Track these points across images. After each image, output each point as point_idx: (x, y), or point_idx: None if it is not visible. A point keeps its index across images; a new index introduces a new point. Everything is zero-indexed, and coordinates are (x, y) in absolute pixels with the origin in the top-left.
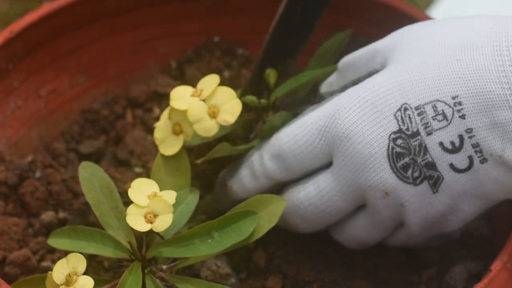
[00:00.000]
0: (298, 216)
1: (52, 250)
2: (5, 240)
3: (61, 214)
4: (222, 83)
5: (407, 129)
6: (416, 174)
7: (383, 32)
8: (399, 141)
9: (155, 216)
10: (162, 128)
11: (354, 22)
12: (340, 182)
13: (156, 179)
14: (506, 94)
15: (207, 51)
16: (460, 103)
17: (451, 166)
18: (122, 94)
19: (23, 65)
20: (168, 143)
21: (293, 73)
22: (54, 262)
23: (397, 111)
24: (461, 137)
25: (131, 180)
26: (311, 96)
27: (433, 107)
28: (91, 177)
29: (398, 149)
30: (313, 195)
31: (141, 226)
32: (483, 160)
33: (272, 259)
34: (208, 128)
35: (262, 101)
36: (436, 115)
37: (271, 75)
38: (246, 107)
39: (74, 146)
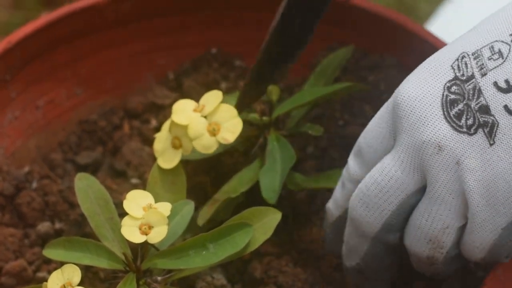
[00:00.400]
0: (363, 204)
1: (48, 261)
2: (1, 250)
3: (58, 225)
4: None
5: (462, 74)
6: (470, 121)
7: (379, 44)
8: (453, 88)
9: (150, 227)
10: (162, 140)
11: (351, 34)
12: (399, 151)
13: (152, 192)
14: None
15: (205, 62)
16: None
17: (506, 108)
18: (120, 105)
19: (20, 76)
20: (166, 156)
21: (291, 86)
22: (50, 272)
23: (454, 61)
24: None
25: (128, 191)
26: (311, 114)
27: (490, 49)
28: (86, 188)
29: (452, 96)
30: (376, 172)
31: (136, 237)
32: None
33: (267, 270)
34: (207, 145)
35: (264, 118)
36: (492, 54)
37: (273, 91)
38: (247, 123)
39: (72, 157)
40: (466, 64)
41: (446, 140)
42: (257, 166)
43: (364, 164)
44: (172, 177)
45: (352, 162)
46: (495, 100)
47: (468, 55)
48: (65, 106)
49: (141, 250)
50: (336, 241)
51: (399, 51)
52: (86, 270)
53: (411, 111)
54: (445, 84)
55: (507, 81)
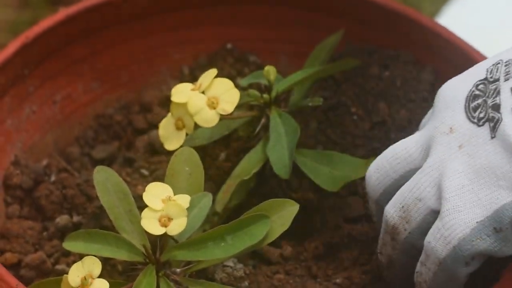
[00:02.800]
0: (376, 166)
1: (66, 254)
2: (21, 243)
3: (76, 218)
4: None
5: (491, 77)
6: (482, 114)
7: (394, 40)
8: (480, 86)
9: (170, 219)
10: (165, 125)
11: (364, 29)
12: (423, 130)
13: (170, 184)
14: None
15: (220, 57)
16: None
17: None
18: (135, 99)
19: (38, 71)
20: (171, 138)
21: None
22: (68, 265)
23: (491, 65)
24: None
25: (142, 184)
26: (310, 95)
27: None
28: (105, 181)
29: (477, 92)
30: (398, 143)
31: (156, 229)
32: None
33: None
34: (208, 118)
35: (264, 96)
36: None
37: (270, 71)
38: (248, 106)
39: (88, 151)
40: (497, 69)
41: (458, 125)
42: (263, 145)
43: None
44: (190, 168)
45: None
46: (507, 101)
47: (502, 62)
48: (81, 100)
49: (160, 242)
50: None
51: (414, 46)
52: (105, 263)
53: (443, 99)
54: (476, 82)
55: None
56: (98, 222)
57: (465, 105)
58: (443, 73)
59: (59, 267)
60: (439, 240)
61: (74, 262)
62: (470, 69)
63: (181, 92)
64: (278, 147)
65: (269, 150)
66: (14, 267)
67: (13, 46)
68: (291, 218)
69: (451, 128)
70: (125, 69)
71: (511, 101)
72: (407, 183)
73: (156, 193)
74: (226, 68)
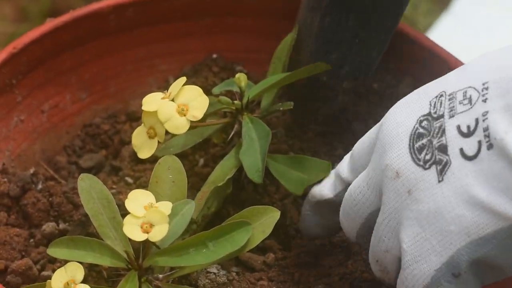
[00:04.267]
0: (343, 212)
1: (53, 260)
2: (7, 250)
3: (62, 225)
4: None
5: (435, 112)
6: (428, 156)
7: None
8: (424, 123)
9: (151, 226)
10: (138, 134)
11: None
12: (370, 168)
13: (154, 191)
14: None
15: (205, 67)
16: (487, 88)
17: (461, 151)
18: (122, 109)
19: (26, 81)
20: (144, 147)
21: (258, 79)
22: (55, 271)
23: (433, 98)
24: (476, 121)
25: (127, 192)
26: (278, 99)
27: (463, 93)
28: (90, 189)
29: (421, 130)
30: (353, 185)
31: (138, 235)
32: (489, 146)
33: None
34: (178, 125)
35: (236, 102)
36: (464, 99)
37: (241, 78)
38: (220, 114)
39: (75, 160)
40: (441, 103)
41: (404, 169)
42: (237, 151)
43: (352, 169)
44: (173, 176)
45: (345, 162)
46: (454, 142)
47: (445, 94)
48: (69, 110)
49: (143, 248)
50: (311, 223)
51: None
52: (90, 269)
53: (386, 134)
54: (419, 117)
55: (468, 127)
56: (84, 229)
57: (410, 145)
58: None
59: (45, 273)
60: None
61: (57, 269)
62: (413, 96)
63: (151, 101)
64: (251, 151)
65: (242, 155)
66: (0, 274)
67: (0, 57)
68: (272, 225)
69: (397, 172)
70: (113, 79)
71: (458, 141)
72: (373, 235)
73: (138, 200)
74: (210, 77)
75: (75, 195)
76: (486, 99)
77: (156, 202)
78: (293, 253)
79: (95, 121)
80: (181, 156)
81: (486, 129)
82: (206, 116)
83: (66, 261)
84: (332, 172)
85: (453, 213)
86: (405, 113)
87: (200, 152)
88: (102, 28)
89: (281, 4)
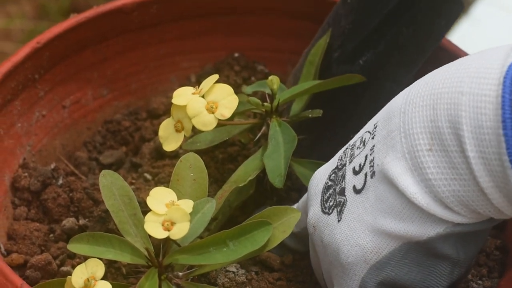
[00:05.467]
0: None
1: (72, 256)
2: (27, 244)
3: (82, 221)
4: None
5: (341, 164)
6: (331, 203)
7: None
8: (332, 176)
9: (172, 224)
10: (165, 126)
11: None
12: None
13: (175, 189)
14: (402, 104)
15: (226, 65)
16: (376, 127)
17: (354, 188)
18: (143, 106)
19: (48, 76)
20: (170, 140)
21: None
22: (74, 267)
23: (342, 152)
24: (366, 157)
25: (145, 189)
26: (311, 105)
27: (360, 139)
28: (111, 185)
29: (330, 183)
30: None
31: (159, 233)
32: (372, 174)
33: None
34: (206, 122)
35: (266, 104)
36: (360, 144)
37: (274, 81)
38: (250, 114)
39: (96, 156)
40: (345, 154)
41: (317, 221)
42: (262, 153)
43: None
44: (194, 174)
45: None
46: (349, 182)
47: (349, 146)
48: (90, 106)
49: (163, 246)
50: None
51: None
52: (109, 266)
53: (310, 194)
54: (329, 173)
55: (360, 165)
56: (103, 225)
57: (321, 199)
58: None
59: (64, 269)
60: None
61: (79, 264)
62: (332, 159)
63: (182, 95)
64: (276, 155)
65: (266, 158)
66: (20, 268)
67: (24, 51)
68: (293, 225)
69: (314, 226)
70: (134, 76)
71: (352, 180)
72: None
73: (160, 198)
74: (232, 76)
75: (96, 191)
76: (374, 135)
77: (178, 199)
78: None
79: (116, 118)
80: (201, 152)
81: (371, 161)
82: (234, 114)
83: (85, 257)
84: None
85: (349, 245)
86: (321, 173)
87: (220, 149)
88: (125, 24)
89: (302, 4)
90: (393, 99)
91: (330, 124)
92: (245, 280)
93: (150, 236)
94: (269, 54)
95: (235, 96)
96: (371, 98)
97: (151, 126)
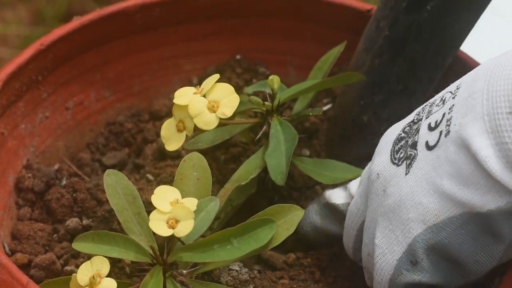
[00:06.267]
0: (344, 224)
1: (76, 255)
2: (31, 244)
3: (85, 221)
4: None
5: (418, 118)
6: (401, 154)
7: None
8: (406, 129)
9: (177, 222)
10: (167, 126)
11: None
12: (363, 177)
13: (178, 188)
14: (490, 68)
15: (228, 68)
16: (458, 88)
17: (426, 143)
18: (146, 108)
19: (51, 77)
20: (172, 139)
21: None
22: (77, 266)
23: (421, 108)
24: (443, 115)
25: (148, 189)
26: (314, 104)
27: (441, 97)
28: (115, 184)
29: (402, 135)
30: (352, 200)
31: (164, 231)
32: (447, 133)
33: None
34: (207, 121)
35: (266, 103)
36: (440, 102)
37: (274, 80)
38: (251, 114)
39: (99, 157)
40: (423, 110)
41: (383, 169)
42: (263, 152)
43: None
44: (198, 173)
45: (357, 179)
46: (423, 137)
47: (429, 103)
48: (93, 108)
49: (168, 244)
50: (310, 221)
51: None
52: (113, 265)
53: (380, 145)
54: (404, 125)
55: (436, 122)
56: (107, 225)
57: (392, 149)
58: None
59: (68, 268)
60: (377, 286)
61: (83, 263)
62: (410, 115)
63: (183, 95)
64: (277, 153)
65: (267, 157)
66: (24, 267)
67: (28, 53)
68: (296, 223)
69: (378, 174)
70: (137, 78)
71: (426, 136)
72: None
73: (164, 196)
74: (234, 78)
75: (99, 191)
76: (455, 96)
77: (182, 198)
78: (314, 253)
79: (118, 119)
80: (203, 152)
81: (449, 120)
82: (235, 114)
83: (89, 257)
84: (347, 185)
85: (413, 201)
86: (396, 126)
87: (222, 149)
88: (128, 27)
89: (304, 6)
90: (480, 65)
91: (400, 76)
92: (248, 278)
93: (154, 235)
94: (271, 56)
95: (236, 95)
96: (438, 45)
97: (154, 128)
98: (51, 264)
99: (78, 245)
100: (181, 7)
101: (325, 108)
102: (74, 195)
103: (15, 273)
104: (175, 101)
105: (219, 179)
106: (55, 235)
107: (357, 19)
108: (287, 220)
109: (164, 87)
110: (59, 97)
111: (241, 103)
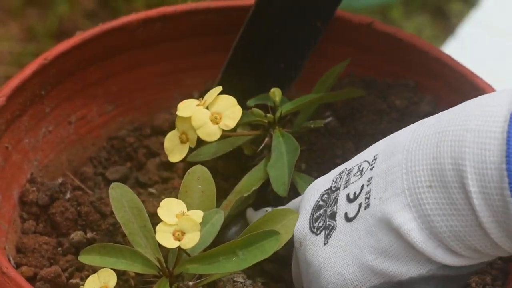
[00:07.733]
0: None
1: (80, 268)
2: (36, 257)
3: (89, 234)
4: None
5: (335, 186)
6: (320, 224)
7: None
8: (325, 196)
9: (183, 234)
10: (170, 138)
11: (374, 58)
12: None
13: (183, 200)
14: (407, 141)
15: None
16: (375, 158)
17: (346, 215)
18: (148, 122)
19: (55, 92)
20: (175, 151)
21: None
22: (82, 279)
23: (337, 174)
24: (362, 187)
25: (151, 203)
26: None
27: (358, 166)
28: (121, 197)
29: (321, 202)
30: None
31: (170, 243)
32: (367, 206)
33: None
34: (210, 132)
35: (268, 115)
36: (357, 171)
37: (276, 93)
38: (253, 125)
39: (101, 171)
40: (341, 177)
41: (303, 237)
42: (265, 164)
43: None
44: (202, 186)
45: None
46: (342, 209)
47: (346, 170)
48: (96, 122)
49: (174, 256)
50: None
51: (417, 73)
52: (118, 278)
53: (303, 200)
54: (322, 192)
55: (354, 194)
56: (111, 238)
57: (310, 216)
58: (445, 100)
59: (73, 281)
60: None
61: (88, 276)
62: (326, 175)
63: (186, 107)
64: (279, 165)
65: (270, 168)
66: (29, 281)
67: (31, 68)
68: (293, 226)
69: (300, 242)
70: (139, 92)
71: (345, 207)
72: None
73: (170, 208)
74: None
75: (102, 205)
76: (373, 167)
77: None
78: None
79: (120, 134)
80: (205, 166)
81: (368, 192)
82: (237, 126)
83: (94, 270)
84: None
85: (332, 272)
86: (313, 191)
87: (225, 163)
88: (130, 41)
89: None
90: (397, 133)
91: None
92: None
93: (159, 247)
94: None
95: (239, 107)
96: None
97: (155, 142)
98: (57, 277)
99: (85, 258)
100: (182, 22)
101: (326, 121)
102: (78, 208)
103: (24, 286)
104: (178, 113)
105: (221, 194)
106: (59, 249)
107: (359, 33)
108: (284, 225)
109: (166, 101)
110: (62, 112)
111: (243, 115)
